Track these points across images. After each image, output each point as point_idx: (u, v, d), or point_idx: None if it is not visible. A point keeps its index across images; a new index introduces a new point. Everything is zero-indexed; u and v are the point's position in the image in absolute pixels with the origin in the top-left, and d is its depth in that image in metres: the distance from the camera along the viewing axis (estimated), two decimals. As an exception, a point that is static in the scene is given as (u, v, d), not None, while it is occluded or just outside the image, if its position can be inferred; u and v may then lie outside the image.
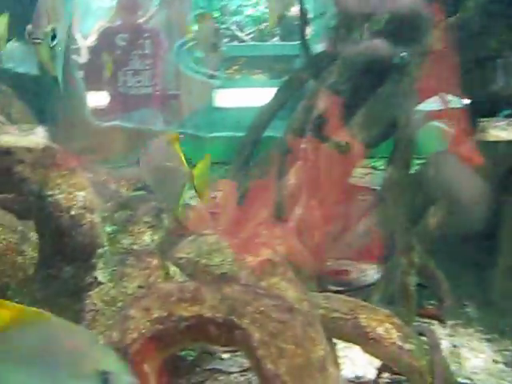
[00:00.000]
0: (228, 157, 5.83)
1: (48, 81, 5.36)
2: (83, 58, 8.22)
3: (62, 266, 2.23)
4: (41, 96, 5.27)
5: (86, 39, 9.02)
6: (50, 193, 2.18)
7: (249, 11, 10.24)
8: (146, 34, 7.18)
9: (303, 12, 4.92)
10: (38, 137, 4.44)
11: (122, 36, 7.08)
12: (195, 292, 2.01)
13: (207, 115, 8.56)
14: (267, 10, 10.31)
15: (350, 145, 3.75)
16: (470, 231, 3.58)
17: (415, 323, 3.12)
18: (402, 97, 3.48)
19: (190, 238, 2.85)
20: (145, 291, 2.19)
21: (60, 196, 2.18)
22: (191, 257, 2.71)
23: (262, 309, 1.95)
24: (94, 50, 7.54)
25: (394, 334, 2.38)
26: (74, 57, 7.67)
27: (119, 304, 2.20)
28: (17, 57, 4.31)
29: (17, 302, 2.47)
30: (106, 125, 5.82)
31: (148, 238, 2.75)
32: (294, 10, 9.96)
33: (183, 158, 2.30)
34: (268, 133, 4.84)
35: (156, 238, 2.78)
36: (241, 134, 6.03)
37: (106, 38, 7.18)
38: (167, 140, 2.32)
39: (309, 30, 5.88)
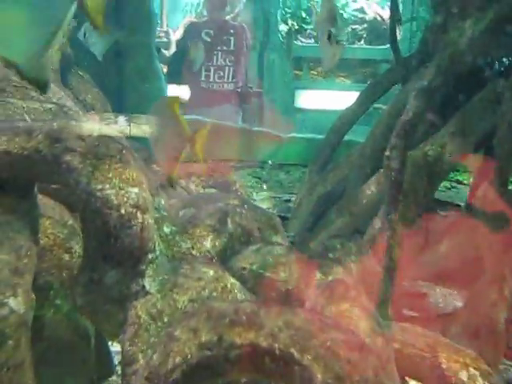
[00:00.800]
0: (305, 159, 5.49)
1: (129, 71, 5.19)
2: (170, 51, 8.14)
3: (106, 270, 1.93)
4: (120, 85, 5.10)
5: (173, 33, 8.93)
6: (99, 187, 1.88)
7: (337, 12, 9.90)
8: (232, 31, 7.04)
9: (394, 14, 4.52)
10: (120, 126, 4.26)
11: (208, 32, 6.94)
12: (253, 315, 1.68)
13: (287, 115, 8.28)
14: (355, 13, 9.90)
15: (437, 154, 3.35)
16: None
17: (502, 367, 2.67)
18: (504, 104, 3.03)
19: (254, 246, 2.51)
20: (195, 308, 1.88)
21: (110, 191, 1.88)
22: (255, 268, 2.37)
23: (329, 344, 1.59)
24: (179, 45, 7.47)
25: (480, 383, 1.97)
26: (162, 50, 7.58)
27: (166, 319, 1.89)
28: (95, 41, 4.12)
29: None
30: (184, 118, 5.63)
31: (209, 243, 2.42)
32: (382, 13, 9.52)
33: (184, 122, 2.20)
34: (349, 137, 4.48)
35: (218, 243, 2.45)
36: (320, 137, 5.66)
37: (192, 33, 7.10)
38: (168, 103, 2.20)
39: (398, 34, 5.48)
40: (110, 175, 1.90)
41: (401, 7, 6.25)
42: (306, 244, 3.63)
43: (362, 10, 10.05)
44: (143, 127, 4.29)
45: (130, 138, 3.89)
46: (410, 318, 2.95)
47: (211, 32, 6.90)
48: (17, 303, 1.67)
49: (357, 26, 9.85)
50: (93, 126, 2.91)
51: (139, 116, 4.28)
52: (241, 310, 1.69)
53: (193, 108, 6.65)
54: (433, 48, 3.63)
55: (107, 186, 1.89)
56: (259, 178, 5.17)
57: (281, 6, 9.16)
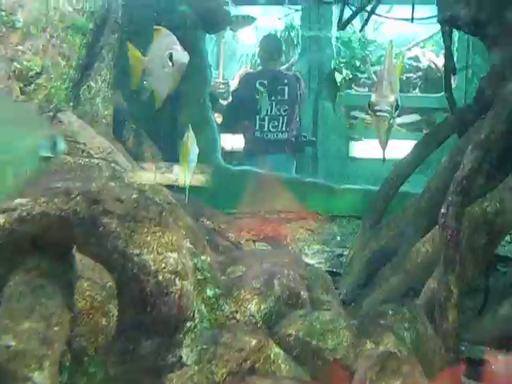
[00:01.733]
0: (359, 211, 5.31)
1: (183, 121, 5.18)
2: (226, 101, 8.17)
3: (141, 340, 1.80)
4: (174, 135, 5.09)
5: (230, 83, 8.99)
6: (136, 251, 1.77)
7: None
8: (285, 81, 7.02)
9: (450, 63, 4.34)
10: (174, 174, 4.22)
11: (262, 82, 6.95)
12: (293, 395, 1.51)
13: (341, 165, 8.13)
14: (409, 61, 9.80)
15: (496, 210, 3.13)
16: None
17: None
18: None
19: (302, 311, 2.34)
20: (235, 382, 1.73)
21: (148, 256, 1.77)
22: (301, 336, 2.20)
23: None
24: (235, 95, 7.50)
25: None
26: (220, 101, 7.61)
27: (203, 394, 1.73)
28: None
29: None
30: (236, 169, 5.59)
31: (254, 306, 2.27)
32: (437, 62, 9.36)
33: None
34: (405, 188, 4.29)
35: (263, 307, 2.29)
36: (373, 188, 5.46)
37: (247, 83, 7.11)
38: None
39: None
40: (149, 239, 1.79)
41: (455, 54, 6.07)
42: (359, 303, 3.43)
43: (416, 59, 9.94)
44: (196, 176, 4.25)
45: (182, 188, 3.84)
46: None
47: (265, 82, 6.89)
48: (42, 378, 1.56)
49: (411, 75, 9.73)
50: (146, 175, 2.80)
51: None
52: (282, 390, 1.53)
53: (247, 157, 6.62)
54: (490, 98, 3.43)
55: (145, 250, 1.78)
56: (311, 231, 5.00)
57: (335, 55, 9.08)
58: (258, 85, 6.91)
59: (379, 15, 4.32)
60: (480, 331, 3.20)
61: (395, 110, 2.46)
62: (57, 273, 1.85)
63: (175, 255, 1.81)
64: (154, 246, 1.79)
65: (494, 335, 3.19)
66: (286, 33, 9.26)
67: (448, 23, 3.45)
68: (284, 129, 6.93)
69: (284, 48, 8.23)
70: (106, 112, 3.43)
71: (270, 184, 5.57)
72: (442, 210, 2.91)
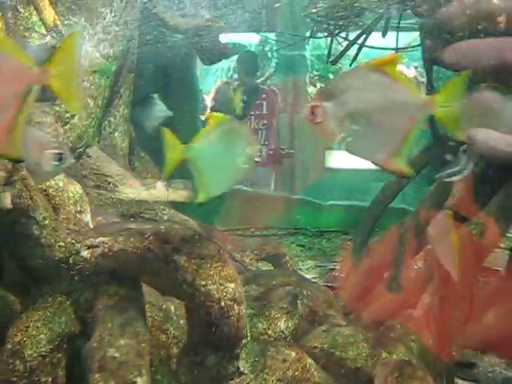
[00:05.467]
0: (344, 225, 5.87)
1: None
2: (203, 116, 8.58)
3: (207, 354, 2.33)
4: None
5: (207, 98, 9.40)
6: (203, 283, 2.29)
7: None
8: (263, 95, 7.41)
9: (430, 87, 4.92)
10: (158, 191, 4.67)
11: (241, 96, 7.33)
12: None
13: (319, 175, 8.62)
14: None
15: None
16: None
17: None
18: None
19: (324, 327, 2.89)
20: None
21: (212, 287, 2.29)
22: (326, 348, 2.75)
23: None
24: (214, 109, 7.86)
25: None
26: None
27: (259, 397, 2.27)
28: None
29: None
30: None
31: (283, 323, 2.81)
32: (407, 73, 9.96)
33: None
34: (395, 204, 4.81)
35: (290, 324, 2.84)
36: (357, 203, 6.07)
37: (224, 97, 7.45)
38: None
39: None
40: (212, 273, 2.31)
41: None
42: (358, 315, 3.98)
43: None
44: (181, 192, 4.69)
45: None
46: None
47: (244, 97, 7.27)
48: (143, 382, 2.07)
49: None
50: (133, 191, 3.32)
51: (177, 181, 4.69)
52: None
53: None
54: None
55: (210, 282, 2.29)
56: (303, 246, 5.55)
57: (309, 69, 9.58)
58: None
59: (369, 47, 4.87)
60: (467, 338, 3.77)
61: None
62: (134, 298, 2.36)
63: (233, 285, 2.34)
64: (217, 278, 2.31)
65: (479, 341, 3.78)
66: (261, 47, 9.71)
67: (433, 63, 4.02)
68: (263, 142, 7.34)
69: (260, 62, 8.69)
70: (124, 144, 3.91)
71: (255, 200, 6.06)
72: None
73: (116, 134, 3.89)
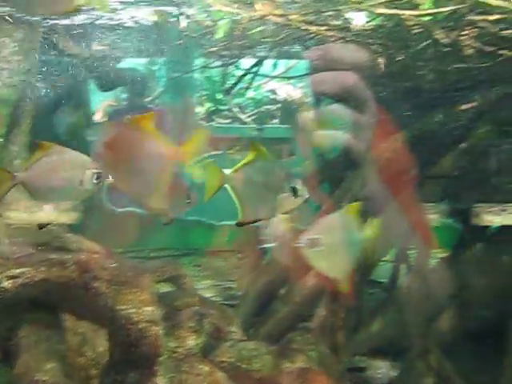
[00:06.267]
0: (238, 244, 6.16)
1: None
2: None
3: (127, 372, 2.54)
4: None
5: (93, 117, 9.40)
6: (122, 307, 2.50)
7: (250, 94, 10.73)
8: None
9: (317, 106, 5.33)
10: (46, 213, 4.74)
11: (130, 117, 7.41)
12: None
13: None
14: (267, 94, 10.79)
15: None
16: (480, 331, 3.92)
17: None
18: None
19: (229, 343, 3.17)
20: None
21: (131, 311, 2.51)
22: (232, 361, 3.02)
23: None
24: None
25: None
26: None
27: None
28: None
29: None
30: (120, 210, 6.14)
31: (192, 342, 3.06)
32: (293, 94, 10.47)
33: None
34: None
35: (199, 341, 3.09)
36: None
37: (115, 119, 7.54)
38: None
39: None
40: (130, 298, 2.54)
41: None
42: (256, 331, 4.28)
43: (273, 91, 10.89)
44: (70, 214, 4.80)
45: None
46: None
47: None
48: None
49: (270, 106, 10.63)
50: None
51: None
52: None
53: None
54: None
55: (129, 306, 2.52)
56: (199, 266, 5.78)
57: (198, 89, 9.81)
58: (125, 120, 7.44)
59: (262, 75, 5.26)
60: (357, 345, 4.17)
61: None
62: (55, 325, 2.54)
63: (150, 308, 2.57)
64: (136, 303, 2.54)
65: (368, 347, 4.19)
66: (149, 67, 9.84)
67: (319, 95, 4.44)
68: None
69: (148, 83, 8.82)
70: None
71: (148, 222, 6.21)
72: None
73: (15, 162, 3.98)
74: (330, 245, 2.16)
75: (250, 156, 2.30)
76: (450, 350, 3.81)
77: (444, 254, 4.58)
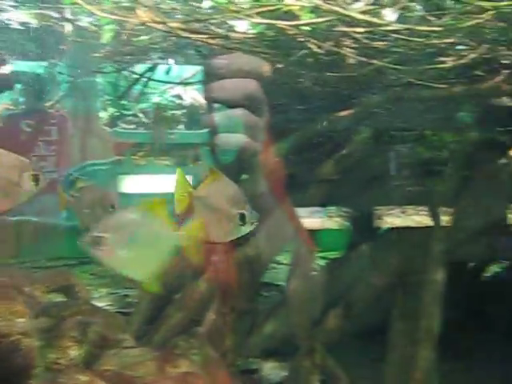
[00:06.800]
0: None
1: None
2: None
3: (0, 387, 2.52)
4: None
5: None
6: (-8, 320, 2.48)
7: (155, 99, 10.70)
8: (52, 121, 7.39)
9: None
10: None
11: (28, 122, 7.27)
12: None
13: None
14: (173, 99, 10.81)
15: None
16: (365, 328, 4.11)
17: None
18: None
19: (113, 350, 3.17)
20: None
21: (2, 323, 2.49)
22: (116, 369, 3.03)
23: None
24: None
25: None
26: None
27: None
28: None
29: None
30: (14, 219, 6.00)
31: (74, 352, 3.05)
32: (199, 99, 10.51)
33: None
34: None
35: (81, 351, 3.08)
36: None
37: (11, 123, 7.34)
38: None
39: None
40: (1, 310, 2.51)
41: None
42: (149, 337, 4.30)
43: (179, 96, 10.86)
44: None
45: None
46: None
47: (32, 122, 7.20)
48: None
49: (176, 112, 10.63)
50: None
51: None
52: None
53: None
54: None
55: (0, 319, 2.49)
56: (95, 275, 5.73)
57: (101, 94, 9.70)
58: (24, 125, 7.27)
59: (156, 80, 5.29)
60: (250, 347, 4.26)
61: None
62: None
63: (23, 320, 2.55)
64: (6, 315, 2.52)
65: (261, 349, 4.29)
66: (49, 70, 9.65)
67: (212, 101, 4.50)
68: (52, 169, 7.32)
69: (48, 87, 8.63)
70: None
71: (47, 232, 6.09)
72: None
73: None
74: (120, 244, 2.09)
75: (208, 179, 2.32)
76: (336, 349, 3.97)
77: (334, 256, 4.76)
